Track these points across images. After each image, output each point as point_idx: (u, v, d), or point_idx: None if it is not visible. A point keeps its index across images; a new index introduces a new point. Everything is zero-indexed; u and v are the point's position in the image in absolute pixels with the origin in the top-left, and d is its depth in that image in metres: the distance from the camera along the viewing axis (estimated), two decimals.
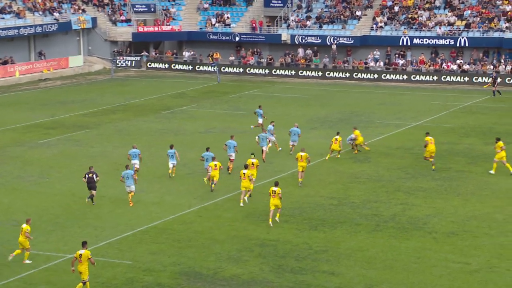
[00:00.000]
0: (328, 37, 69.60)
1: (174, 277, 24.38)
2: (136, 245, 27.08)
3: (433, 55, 67.42)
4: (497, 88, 58.10)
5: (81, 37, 73.74)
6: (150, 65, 73.06)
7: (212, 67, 68.75)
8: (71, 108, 54.05)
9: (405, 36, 67.95)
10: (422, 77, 65.01)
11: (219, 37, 73.53)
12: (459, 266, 25.24)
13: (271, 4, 75.64)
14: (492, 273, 24.72)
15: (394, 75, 65.94)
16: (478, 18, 67.87)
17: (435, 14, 69.95)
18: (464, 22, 67.76)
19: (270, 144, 39.90)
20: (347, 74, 67.08)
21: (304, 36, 70.53)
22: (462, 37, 66.13)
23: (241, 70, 69.98)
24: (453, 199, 32.50)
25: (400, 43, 68.10)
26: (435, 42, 67.22)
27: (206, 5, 77.87)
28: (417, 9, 70.89)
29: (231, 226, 29.07)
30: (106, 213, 30.82)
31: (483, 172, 36.45)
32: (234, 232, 28.43)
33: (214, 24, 75.14)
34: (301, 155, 34.29)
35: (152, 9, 77.41)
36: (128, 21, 75.60)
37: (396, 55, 68.29)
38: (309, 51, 70.53)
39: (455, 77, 64.18)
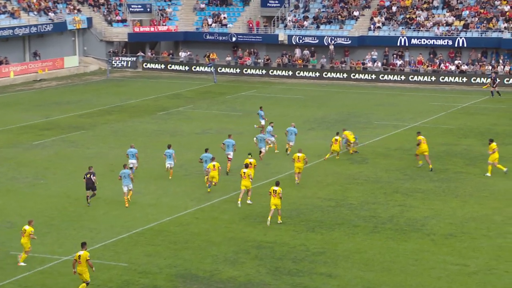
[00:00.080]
0: (326, 37, 69.64)
1: (170, 280, 24.36)
2: (132, 247, 27.06)
3: (431, 55, 67.48)
4: (496, 88, 58.15)
5: (76, 38, 73.68)
6: (146, 65, 73.03)
7: (209, 68, 68.74)
8: (66, 109, 54.00)
9: (403, 37, 68.01)
10: (420, 78, 65.08)
11: (216, 38, 73.54)
12: (457, 268, 25.26)
13: (268, 4, 75.65)
14: (490, 275, 24.74)
15: (392, 75, 65.98)
16: (477, 19, 67.95)
17: (433, 14, 70.03)
18: (462, 23, 67.85)
19: (271, 145, 40.04)
20: (345, 75, 67.13)
21: (301, 37, 70.56)
22: (460, 38, 66.21)
23: (238, 70, 69.98)
24: (451, 201, 32.52)
25: (398, 44, 68.17)
26: (433, 42, 67.28)
27: (203, 5, 77.86)
28: (415, 9, 70.96)
29: (227, 228, 29.07)
30: (101, 214, 30.80)
31: (481, 173, 36.49)
32: (231, 234, 28.42)
33: (211, 24, 75.14)
34: (298, 156, 34.43)
35: (148, 9, 77.39)
36: (124, 21, 75.57)
37: (394, 55, 68.34)
38: (306, 52, 70.55)
39: (453, 77, 64.25)
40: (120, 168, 33.63)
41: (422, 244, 27.37)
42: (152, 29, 74.61)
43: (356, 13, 71.82)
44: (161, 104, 55.83)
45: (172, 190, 34.09)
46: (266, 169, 37.00)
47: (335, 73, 67.53)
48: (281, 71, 68.96)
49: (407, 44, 67.99)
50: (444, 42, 66.92)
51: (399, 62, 67.75)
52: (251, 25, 74.03)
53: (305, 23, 72.31)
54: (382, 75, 66.30)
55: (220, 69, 69.61)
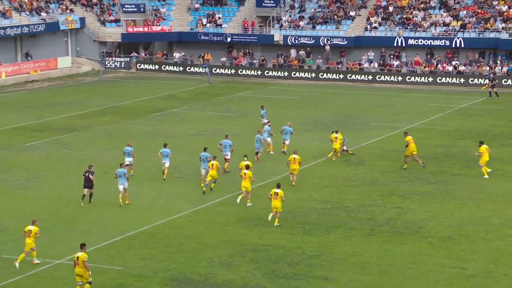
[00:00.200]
0: (322, 37, 69.70)
1: (165, 283, 24.34)
2: (125, 251, 27.02)
3: (429, 56, 67.59)
4: (494, 89, 58.21)
5: (69, 38, 73.58)
6: (139, 66, 72.98)
7: (203, 69, 68.72)
8: (59, 110, 53.93)
9: (399, 37, 68.12)
10: (417, 79, 65.16)
11: (210, 38, 73.53)
12: (455, 271, 25.29)
13: (263, 4, 75.68)
14: (489, 278, 24.77)
15: (389, 76, 66.06)
16: (474, 19, 68.09)
17: (430, 14, 70.15)
18: (459, 23, 67.97)
19: (271, 145, 40.29)
20: (341, 76, 67.18)
21: (297, 37, 70.61)
22: (458, 38, 66.34)
23: (233, 71, 69.98)
24: (449, 203, 32.56)
25: (395, 44, 68.27)
26: (430, 43, 67.40)
27: (197, 5, 77.86)
28: (412, 9, 71.08)
29: (223, 231, 29.05)
30: (94, 217, 30.76)
31: (479, 175, 36.53)
32: (226, 236, 28.41)
33: (205, 25, 75.14)
34: (294, 158, 34.55)
35: (142, 9, 77.34)
36: (117, 21, 75.51)
37: (391, 56, 68.44)
38: (302, 52, 70.60)
39: (450, 78, 64.37)
40: (113, 170, 33.60)
41: (420, 247, 27.39)
42: (145, 29, 74.58)
43: (352, 13, 71.90)
44: (155, 105, 55.79)
45: (166, 192, 34.08)
46: (262, 171, 36.99)
47: (331, 74, 67.58)
48: (276, 72, 69.00)
49: (404, 45, 68.10)
50: (441, 43, 67.04)
51: (396, 62, 67.83)
52: (246, 25, 74.04)
53: (301, 23, 72.36)
54: (379, 76, 66.36)
55: (215, 70, 69.60)
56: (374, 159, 39.74)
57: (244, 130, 46.32)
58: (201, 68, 69.49)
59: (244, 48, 73.01)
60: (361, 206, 32.03)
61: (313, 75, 67.94)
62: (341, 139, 39.36)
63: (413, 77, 65.36)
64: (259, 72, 69.29)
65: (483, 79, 62.18)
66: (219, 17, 75.62)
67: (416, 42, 67.66)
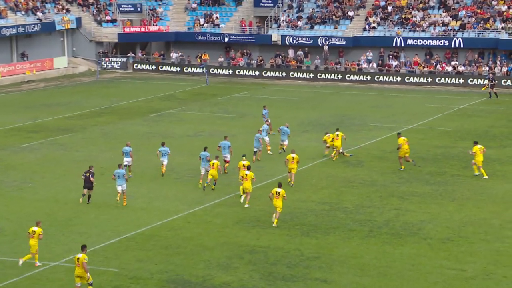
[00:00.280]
0: (320, 37, 69.72)
1: (162, 285, 24.32)
2: (122, 252, 27.00)
3: (428, 56, 67.64)
4: (494, 90, 58.26)
5: (65, 38, 73.54)
6: (136, 66, 72.95)
7: (201, 69, 68.70)
8: (55, 111, 53.89)
9: (398, 37, 68.15)
10: (416, 79, 65.20)
11: (208, 38, 73.53)
12: (454, 273, 25.30)
13: (261, 4, 75.71)
14: (488, 280, 24.78)
15: (388, 77, 66.09)
16: (473, 19, 68.16)
17: (429, 14, 70.21)
18: (459, 23, 68.03)
19: (269, 146, 40.40)
20: (339, 76, 67.20)
21: (295, 37, 70.62)
22: (457, 38, 66.39)
23: (231, 71, 69.98)
24: (448, 204, 32.58)
25: (394, 44, 68.30)
26: (429, 43, 67.45)
27: (194, 5, 77.86)
28: (410, 9, 71.13)
29: (220, 232, 29.05)
30: (91, 219, 30.73)
31: (479, 176, 36.53)
32: (224, 238, 28.40)
33: (203, 25, 75.13)
34: (292, 157, 34.70)
35: (139, 9, 77.34)
36: (113, 21, 75.48)
37: (390, 56, 68.47)
38: (300, 52, 70.61)
39: (450, 79, 64.41)
40: (110, 171, 33.59)
41: (419, 248, 27.40)
42: (142, 29, 74.56)
43: (350, 13, 71.94)
44: (153, 106, 55.78)
45: (164, 194, 34.07)
46: (260, 172, 36.96)
47: (329, 74, 67.59)
48: (274, 72, 69.00)
49: (402, 45, 68.13)
50: (441, 43, 67.09)
51: (394, 63, 67.87)
52: (243, 25, 74.06)
53: (299, 23, 72.38)
54: (378, 76, 66.39)
55: (212, 70, 69.59)
56: (372, 160, 39.75)
57: (242, 131, 46.32)
58: (198, 69, 69.47)
59: (241, 48, 73.02)
60: (360, 208, 32.03)
61: (311, 75, 67.95)
62: (332, 141, 39.46)
63: (412, 78, 65.38)
64: (257, 73, 69.29)
65: (483, 80, 62.22)
66: (216, 17, 75.63)
67: (415, 42, 67.71)
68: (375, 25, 70.02)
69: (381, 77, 66.17)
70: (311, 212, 31.38)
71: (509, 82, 62.77)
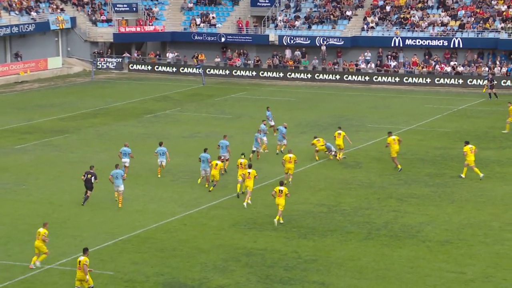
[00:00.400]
0: (318, 38, 69.75)
1: None
2: (117, 255, 26.98)
3: (426, 56, 67.70)
4: (494, 90, 58.33)
5: (59, 38, 73.49)
6: (132, 67, 72.90)
7: (197, 69, 68.68)
8: (49, 112, 53.84)
9: (397, 37, 68.21)
10: (415, 80, 65.25)
11: (204, 38, 73.53)
12: (453, 275, 25.31)
13: (258, 3, 75.71)
14: (488, 283, 24.80)
15: (386, 77, 66.13)
16: (473, 18, 68.24)
17: (428, 14, 70.28)
18: (458, 23, 68.11)
19: (266, 145, 40.56)
20: (337, 76, 67.22)
21: (292, 37, 70.65)
22: (456, 38, 66.46)
23: (227, 72, 69.97)
24: (447, 206, 32.60)
25: (392, 44, 68.35)
26: (428, 43, 67.51)
27: (191, 5, 77.84)
28: (409, 9, 71.20)
29: (216, 235, 29.04)
30: (86, 221, 30.70)
31: (478, 178, 36.57)
32: (220, 240, 28.39)
33: (199, 24, 75.13)
34: (290, 157, 34.82)
35: (134, 9, 77.31)
36: (109, 21, 75.45)
37: (388, 56, 68.51)
38: (297, 53, 70.64)
39: (449, 79, 64.47)
40: (105, 173, 33.56)
41: (418, 251, 27.41)
42: (138, 29, 74.52)
43: (349, 13, 71.99)
44: (148, 107, 55.76)
45: (159, 196, 34.05)
46: (258, 173, 36.93)
47: (327, 75, 67.61)
48: (271, 72, 69.02)
49: (401, 45, 68.18)
50: (440, 43, 67.15)
51: (393, 63, 67.92)
52: (240, 25, 74.06)
53: (296, 23, 72.41)
54: (376, 76, 66.43)
55: (209, 71, 69.57)
56: (371, 162, 39.77)
57: (239, 131, 46.33)
58: (194, 69, 69.45)
59: (238, 49, 73.03)
60: (358, 210, 32.05)
61: (309, 76, 67.97)
62: (323, 143, 39.51)
63: (410, 78, 65.42)
64: (254, 73, 69.29)
65: (482, 80, 62.27)
66: (213, 17, 75.63)
67: (414, 42, 67.76)
68: (373, 25, 70.07)
69: (380, 77, 66.21)
70: (308, 214, 31.38)
71: (508, 82, 62.83)
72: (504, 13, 67.78)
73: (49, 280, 24.92)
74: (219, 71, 70.17)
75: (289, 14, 74.02)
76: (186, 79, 68.92)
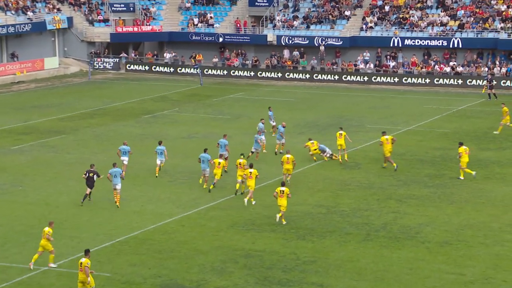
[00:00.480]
0: (316, 38, 69.79)
1: None
2: (115, 257, 26.99)
3: (426, 56, 67.77)
4: (493, 91, 58.39)
5: (56, 38, 73.47)
6: (129, 67, 72.91)
7: (195, 69, 68.70)
8: (46, 112, 53.83)
9: (396, 37, 68.26)
10: (414, 80, 65.29)
11: (202, 38, 73.54)
12: (453, 277, 25.34)
13: (256, 3, 75.75)
14: (487, 284, 24.84)
15: (385, 77, 66.18)
16: (472, 18, 68.31)
17: (427, 14, 70.34)
18: (457, 23, 68.17)
19: (265, 144, 40.70)
20: (336, 77, 67.25)
21: (290, 37, 70.68)
22: (456, 38, 66.52)
23: (225, 72, 69.99)
24: (447, 207, 32.63)
25: (391, 44, 68.40)
26: (428, 43, 67.56)
27: (188, 4, 77.87)
28: (408, 9, 71.26)
29: (215, 236, 29.06)
30: (83, 222, 30.71)
31: (478, 179, 36.63)
32: (218, 242, 28.41)
33: (197, 24, 75.14)
34: (287, 157, 34.93)
35: (131, 8, 77.31)
36: (106, 21, 75.45)
37: (387, 56, 68.57)
38: (296, 53, 70.69)
39: (448, 79, 64.53)
40: (103, 174, 33.57)
41: (417, 252, 27.44)
42: (135, 29, 74.53)
43: (347, 13, 72.03)
44: (146, 107, 55.77)
45: (157, 197, 34.07)
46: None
47: (326, 75, 67.63)
48: (270, 72, 69.05)
49: (400, 45, 68.23)
50: (439, 43, 67.21)
51: (392, 63, 67.97)
52: (238, 25, 74.09)
53: (295, 23, 72.45)
54: (375, 77, 66.48)
55: (207, 71, 69.59)
56: (370, 162, 39.80)
57: (237, 132, 46.35)
58: (192, 69, 69.45)
59: (236, 49, 73.05)
60: (357, 211, 32.07)
61: (307, 76, 68.00)
62: (317, 146, 39.57)
63: (409, 78, 65.47)
64: (252, 73, 69.30)
65: (482, 81, 62.32)
66: (211, 17, 75.66)
67: (413, 42, 67.82)
68: (372, 25, 70.12)
69: (379, 78, 66.25)
70: (307, 215, 31.40)
71: (508, 82, 62.90)
72: (504, 13, 67.85)
73: (46, 281, 24.92)
74: (217, 71, 70.19)
75: (288, 14, 74.06)
76: (184, 79, 68.93)
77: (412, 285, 24.74)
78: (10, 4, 71.42)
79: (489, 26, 66.93)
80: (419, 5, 71.26)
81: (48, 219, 30.98)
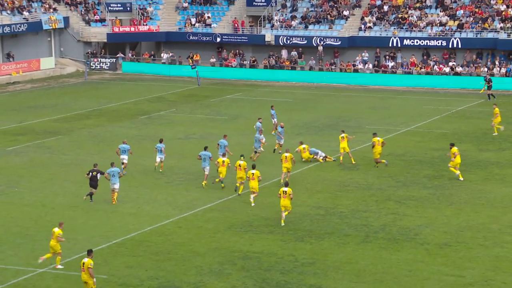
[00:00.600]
0: (314, 38, 69.81)
1: None
2: (111, 258, 26.97)
3: (425, 57, 67.80)
4: (490, 92, 58.44)
5: (52, 38, 73.45)
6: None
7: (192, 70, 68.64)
8: (41, 113, 53.80)
9: (395, 37, 68.30)
10: (413, 80, 65.30)
11: (199, 38, 73.54)
12: (452, 279, 25.34)
13: (254, 3, 75.78)
14: (487, 286, 24.84)
15: (384, 77, 66.19)
16: (471, 18, 68.36)
17: (426, 13, 70.38)
18: (456, 23, 68.23)
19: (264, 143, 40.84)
20: (335, 77, 67.22)
21: (289, 37, 70.70)
22: (455, 38, 66.56)
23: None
24: (446, 209, 32.64)
25: (390, 44, 68.43)
26: (427, 43, 67.60)
27: (186, 4, 77.86)
28: (407, 9, 71.30)
29: (212, 238, 29.05)
30: (79, 224, 30.68)
31: (477, 180, 36.66)
32: (216, 244, 28.40)
33: (194, 24, 75.14)
34: (286, 156, 35.18)
35: (128, 8, 77.30)
36: (102, 20, 75.42)
37: (386, 57, 68.60)
38: (294, 53, 70.70)
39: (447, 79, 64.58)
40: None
41: (416, 254, 27.45)
42: (132, 29, 74.51)
43: (346, 13, 72.06)
44: (142, 108, 55.75)
45: (154, 198, 34.05)
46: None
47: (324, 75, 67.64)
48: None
49: (399, 45, 68.27)
50: (438, 43, 67.25)
51: (391, 63, 68.00)
52: (236, 25, 74.10)
53: (293, 23, 72.47)
54: (374, 77, 66.47)
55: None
56: (368, 164, 39.79)
57: (235, 133, 46.32)
58: (190, 70, 69.37)
59: (234, 49, 73.06)
60: (356, 212, 32.08)
61: (306, 76, 67.95)
62: (308, 150, 39.62)
63: (409, 79, 65.46)
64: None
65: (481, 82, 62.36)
66: (208, 17, 75.66)
67: (412, 42, 67.86)
68: (371, 25, 70.15)
69: (378, 78, 66.23)
70: (305, 217, 31.40)
71: (508, 83, 62.88)
72: (503, 13, 67.90)
73: (42, 284, 24.90)
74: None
75: (286, 14, 74.07)
76: (181, 79, 68.91)
77: (411, 287, 24.75)
78: (5, 4, 71.38)
79: (489, 26, 66.98)
80: (418, 4, 71.30)
81: (44, 221, 31.04)
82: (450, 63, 66.33)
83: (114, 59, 73.44)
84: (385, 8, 71.84)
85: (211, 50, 73.55)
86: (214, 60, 72.20)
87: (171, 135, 46.76)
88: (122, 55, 74.37)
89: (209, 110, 55.38)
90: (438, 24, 68.63)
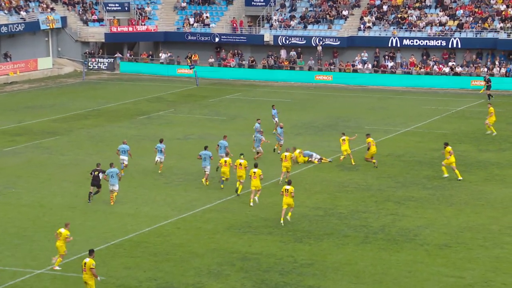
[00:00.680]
0: (313, 38, 69.84)
1: None
2: (109, 259, 26.97)
3: (424, 57, 67.85)
4: (490, 91, 58.52)
5: (50, 38, 73.43)
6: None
7: (192, 70, 68.64)
8: (39, 113, 53.79)
9: (394, 37, 68.34)
10: (413, 80, 65.34)
11: (198, 38, 73.55)
12: (452, 280, 25.36)
13: (252, 3, 75.81)
14: (487, 287, 24.85)
15: (383, 78, 66.23)
16: (471, 18, 68.41)
17: (425, 13, 70.43)
18: (456, 22, 68.27)
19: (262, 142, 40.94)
20: (334, 77, 67.26)
21: (287, 37, 70.72)
22: (454, 38, 66.61)
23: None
24: (446, 209, 32.66)
25: (389, 44, 68.47)
26: (426, 43, 67.65)
27: (184, 4, 77.87)
28: (407, 9, 71.34)
29: (211, 239, 29.05)
30: (77, 225, 30.65)
31: (477, 180, 36.69)
32: (215, 245, 28.41)
33: (193, 24, 75.15)
34: (285, 155, 35.42)
35: (126, 8, 77.30)
36: (100, 20, 75.41)
37: (385, 57, 68.64)
38: (293, 53, 70.72)
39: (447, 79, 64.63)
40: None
41: (416, 255, 27.46)
42: (130, 29, 74.51)
43: (345, 13, 72.09)
44: (141, 108, 55.75)
45: (152, 199, 34.05)
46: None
47: (323, 75, 67.65)
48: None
49: (398, 45, 68.31)
50: (438, 43, 67.29)
51: (390, 63, 68.04)
52: (235, 25, 74.10)
53: (292, 23, 72.48)
54: (373, 77, 66.52)
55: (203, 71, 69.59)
56: (368, 164, 39.80)
57: (233, 133, 46.31)
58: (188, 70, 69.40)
59: (233, 49, 73.07)
60: (355, 213, 32.09)
61: (305, 76, 67.98)
62: (302, 155, 39.67)
63: (408, 79, 65.52)
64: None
65: (481, 81, 62.41)
66: (206, 17, 75.66)
67: (411, 42, 67.90)
68: (370, 24, 70.19)
69: (377, 78, 66.27)
70: (304, 218, 31.41)
71: (508, 83, 62.94)
72: (503, 13, 67.96)
73: (39, 285, 24.89)
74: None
75: (284, 14, 74.10)
76: (180, 80, 68.92)
77: None
78: (3, 4, 71.36)
79: (489, 26, 67.03)
80: (417, 4, 71.34)
81: (42, 221, 31.05)
82: (450, 63, 66.38)
83: (112, 59, 73.42)
84: (385, 8, 71.87)
85: (209, 50, 73.55)
86: (213, 60, 72.21)
87: (170, 135, 46.75)
88: (120, 55, 74.37)
89: (207, 110, 55.39)
90: (438, 24, 68.67)
